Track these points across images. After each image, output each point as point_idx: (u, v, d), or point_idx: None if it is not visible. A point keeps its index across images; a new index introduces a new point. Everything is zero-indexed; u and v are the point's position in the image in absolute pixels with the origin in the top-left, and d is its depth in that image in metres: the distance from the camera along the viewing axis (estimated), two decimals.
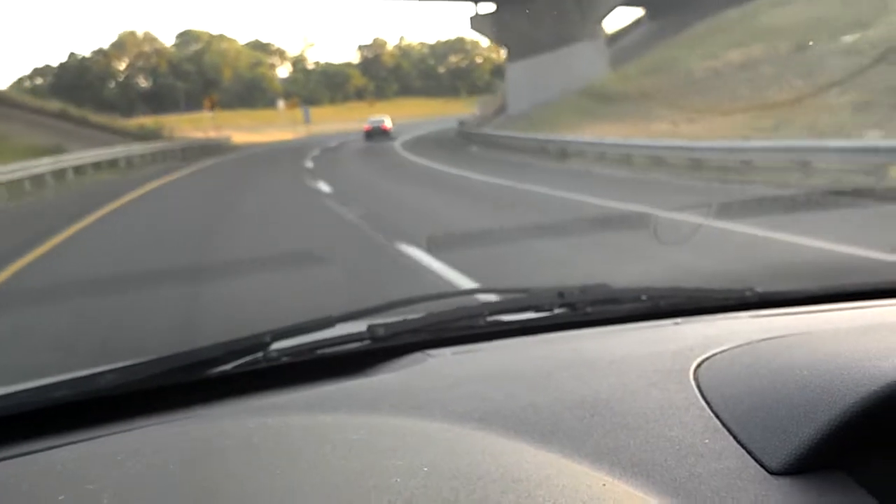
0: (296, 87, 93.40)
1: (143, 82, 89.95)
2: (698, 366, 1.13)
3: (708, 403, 1.01)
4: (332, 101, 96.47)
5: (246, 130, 56.78)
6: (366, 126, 41.94)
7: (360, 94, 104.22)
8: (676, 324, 1.45)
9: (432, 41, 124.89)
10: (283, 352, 1.32)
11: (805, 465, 0.86)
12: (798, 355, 1.03)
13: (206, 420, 1.14)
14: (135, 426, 1.12)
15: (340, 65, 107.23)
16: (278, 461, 0.88)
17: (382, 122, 42.66)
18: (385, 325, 1.39)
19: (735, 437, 0.93)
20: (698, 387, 1.06)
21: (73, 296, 6.22)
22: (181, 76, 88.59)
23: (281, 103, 65.46)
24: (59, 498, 0.82)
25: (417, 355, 1.34)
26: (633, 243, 7.36)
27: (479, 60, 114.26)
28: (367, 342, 1.37)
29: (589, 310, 1.52)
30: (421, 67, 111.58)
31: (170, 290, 6.20)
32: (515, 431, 0.97)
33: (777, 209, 9.29)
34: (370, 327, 1.39)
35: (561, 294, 1.54)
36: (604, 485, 0.83)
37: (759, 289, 1.60)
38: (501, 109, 38.29)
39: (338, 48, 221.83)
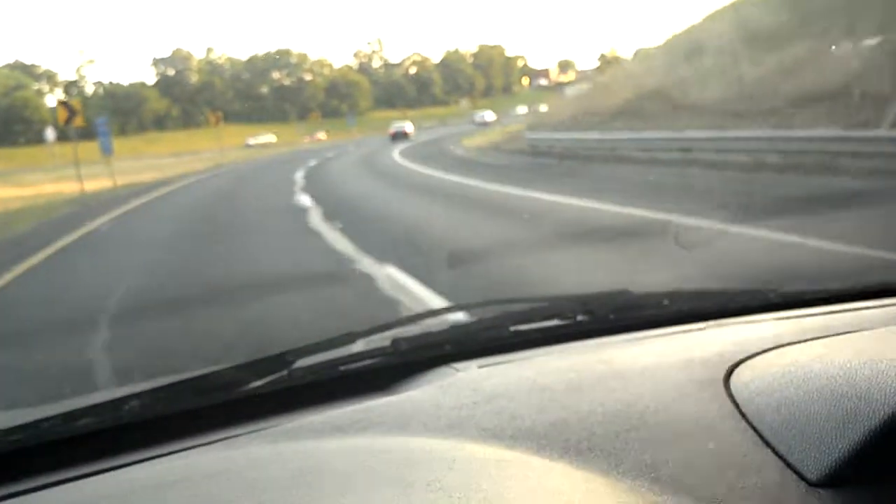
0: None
1: None
2: (729, 373, 1.11)
3: (743, 414, 0.99)
4: (124, 131, 72.82)
5: None
6: (391, 131, 48.19)
7: (160, 122, 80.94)
8: (702, 329, 1.43)
9: (244, 56, 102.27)
10: (307, 370, 1.31)
11: (846, 477, 0.85)
12: (831, 360, 1.01)
13: (238, 446, 1.11)
14: (161, 451, 1.12)
15: (132, 85, 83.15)
16: (321, 489, 0.87)
17: (404, 127, 48.22)
18: (408, 339, 1.39)
19: (773, 450, 0.92)
20: (731, 396, 1.04)
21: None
22: None
23: (50, 133, 41.82)
24: None
25: (444, 369, 1.32)
26: None
27: (308, 77, 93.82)
28: (390, 356, 1.36)
29: (612, 317, 1.51)
30: (237, 86, 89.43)
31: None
32: (550, 449, 0.95)
33: None
34: (394, 341, 1.38)
35: (583, 302, 1.54)
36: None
37: (782, 290, 1.59)
38: None
39: (127, 64, 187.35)
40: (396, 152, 29.05)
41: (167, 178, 28.83)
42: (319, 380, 1.32)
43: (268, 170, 27.31)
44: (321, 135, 69.58)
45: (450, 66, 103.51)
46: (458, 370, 1.30)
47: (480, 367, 1.31)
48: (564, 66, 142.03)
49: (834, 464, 0.85)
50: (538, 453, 0.95)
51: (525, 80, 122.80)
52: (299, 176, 20.59)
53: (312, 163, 27.32)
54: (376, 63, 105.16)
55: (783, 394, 0.99)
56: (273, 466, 0.97)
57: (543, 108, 68.06)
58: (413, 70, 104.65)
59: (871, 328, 1.20)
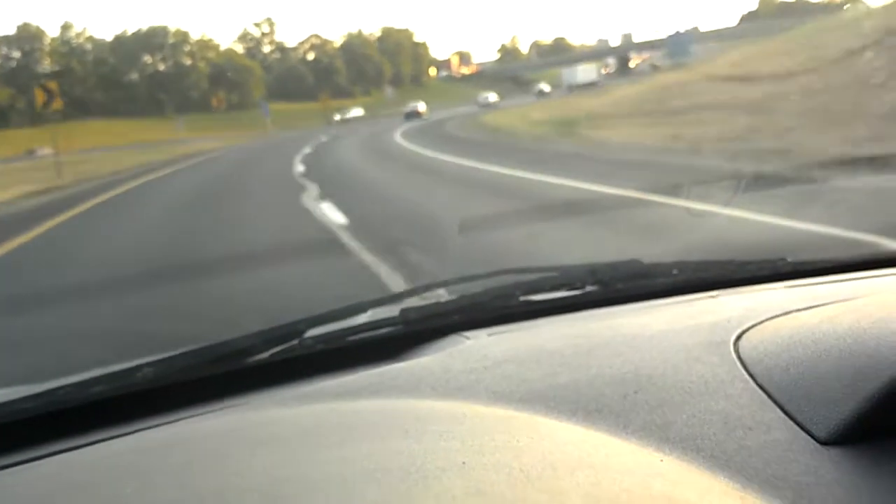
0: None
1: None
2: (738, 337, 1.13)
3: (751, 375, 1.01)
4: None
5: None
6: (406, 110, 52.58)
7: (2, 115, 65.36)
8: (712, 297, 1.44)
9: (109, 35, 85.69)
10: (317, 339, 1.34)
11: (856, 434, 0.85)
12: (840, 323, 1.01)
13: (249, 408, 1.14)
14: (175, 418, 1.14)
15: None
16: (332, 446, 0.88)
17: (417, 107, 53.12)
18: (418, 309, 1.42)
19: (782, 409, 0.93)
20: (740, 359, 1.06)
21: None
22: None
23: None
24: (127, 491, 0.82)
25: (453, 338, 1.34)
26: None
27: (188, 62, 79.28)
28: (400, 326, 1.39)
29: (621, 286, 1.54)
30: (102, 72, 74.13)
31: None
32: (559, 411, 0.97)
33: None
34: (403, 311, 1.41)
35: (593, 271, 1.56)
36: (661, 461, 0.84)
37: (793, 258, 1.61)
38: None
39: None
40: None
41: None
42: (330, 349, 1.35)
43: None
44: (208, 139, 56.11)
45: (353, 51, 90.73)
46: (467, 338, 1.32)
47: (490, 335, 1.33)
48: (466, 59, 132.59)
49: (843, 422, 0.86)
50: (547, 414, 0.96)
51: (433, 70, 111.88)
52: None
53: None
54: (268, 48, 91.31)
55: (792, 355, 1.00)
56: (283, 425, 1.00)
57: (544, 87, 66.08)
58: (311, 55, 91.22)
59: (886, 294, 1.22)
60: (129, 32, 79.50)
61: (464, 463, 0.79)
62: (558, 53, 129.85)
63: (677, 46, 71.14)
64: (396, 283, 5.09)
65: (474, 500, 0.71)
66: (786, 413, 0.92)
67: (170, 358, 1.28)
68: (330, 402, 1.08)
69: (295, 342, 1.32)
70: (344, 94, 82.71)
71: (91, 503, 0.83)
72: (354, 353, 1.31)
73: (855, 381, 0.87)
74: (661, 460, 0.83)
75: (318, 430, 0.96)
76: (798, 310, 1.17)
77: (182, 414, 1.15)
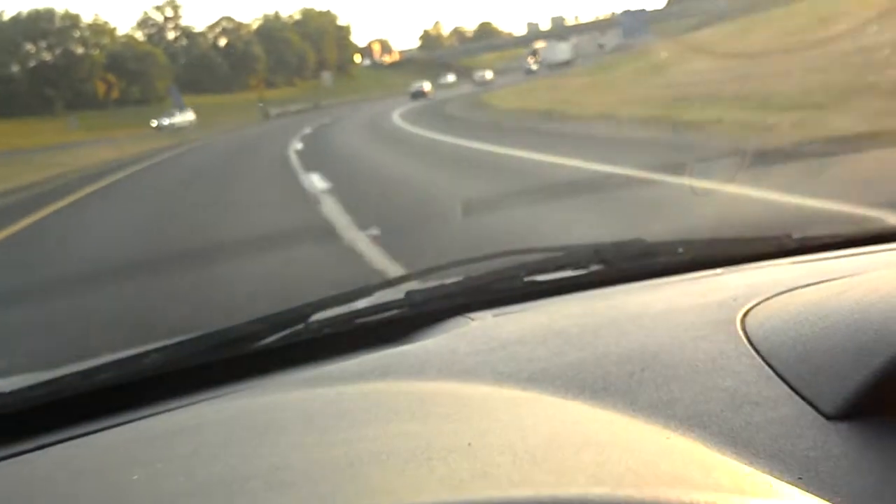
0: None
1: None
2: (745, 315, 1.12)
3: (758, 352, 1.01)
4: None
5: None
6: (411, 90, 52.67)
7: None
8: (717, 274, 1.43)
9: None
10: (323, 322, 1.34)
11: (862, 409, 0.85)
12: (847, 298, 1.01)
13: (256, 392, 1.14)
14: (182, 404, 1.13)
15: None
16: (343, 433, 0.87)
17: (422, 86, 53.43)
18: (423, 291, 1.41)
19: (788, 384, 0.93)
20: (747, 335, 1.06)
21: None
22: None
23: None
24: (134, 478, 0.82)
25: (459, 319, 1.33)
26: None
27: (79, 50, 68.17)
28: (406, 309, 1.38)
29: (626, 265, 1.53)
30: None
31: None
32: (566, 390, 0.97)
33: None
34: (408, 293, 1.40)
35: (597, 250, 1.55)
36: (667, 438, 0.84)
37: (798, 234, 1.60)
38: None
39: None
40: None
41: None
42: (336, 332, 1.34)
43: None
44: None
45: (271, 35, 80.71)
46: (473, 319, 1.31)
47: (495, 315, 1.32)
48: (386, 46, 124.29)
49: (849, 397, 0.86)
50: (554, 394, 0.96)
51: (358, 58, 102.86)
52: None
53: None
54: (173, 34, 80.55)
55: (798, 331, 1.00)
56: (288, 410, 1.00)
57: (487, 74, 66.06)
58: (223, 41, 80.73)
59: (892, 269, 1.19)
60: (7, 17, 67.96)
61: (469, 444, 0.78)
62: (484, 39, 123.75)
63: (632, 26, 65.87)
64: None
65: (480, 481, 0.71)
66: (792, 389, 0.91)
67: (176, 344, 1.28)
68: (335, 386, 1.06)
69: (301, 326, 1.32)
70: (267, 84, 72.90)
71: (98, 490, 0.83)
72: (360, 337, 1.30)
73: (861, 355, 0.86)
74: (668, 438, 0.83)
75: (323, 414, 0.95)
76: (804, 286, 1.16)
77: (189, 400, 1.14)
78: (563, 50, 73.09)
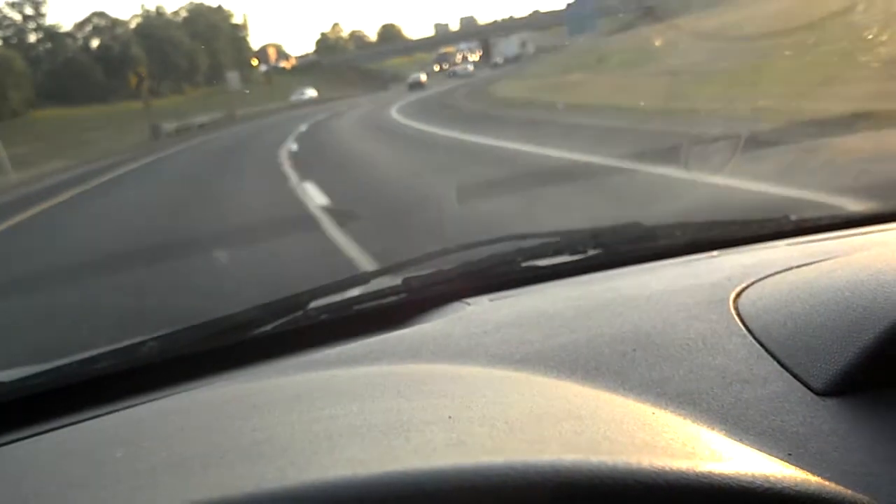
0: None
1: None
2: (738, 295, 1.12)
3: (750, 331, 1.01)
4: None
5: None
6: (409, 81, 53.46)
7: None
8: (713, 257, 1.42)
9: None
10: (321, 309, 1.33)
11: (852, 385, 0.86)
12: (839, 277, 1.01)
13: (251, 378, 1.14)
14: (180, 391, 1.13)
15: None
16: (327, 410, 0.88)
17: (419, 77, 54.24)
18: (420, 277, 1.40)
19: (779, 362, 0.93)
20: (739, 315, 1.06)
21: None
22: None
23: None
24: (117, 456, 0.84)
25: (455, 304, 1.33)
26: None
27: None
28: (403, 295, 1.37)
29: (623, 249, 1.51)
30: None
31: None
32: (558, 370, 0.97)
33: None
34: (405, 280, 1.39)
35: (594, 235, 1.53)
36: (653, 413, 0.84)
37: (795, 216, 1.59)
38: None
39: None
40: None
41: None
42: (333, 319, 1.33)
43: None
44: None
45: (154, 35, 67.87)
46: (469, 304, 1.31)
47: (492, 300, 1.32)
48: (281, 51, 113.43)
49: (839, 373, 0.86)
50: (545, 374, 0.96)
51: (255, 62, 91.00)
52: None
53: None
54: (34, 36, 66.53)
55: (790, 310, 1.00)
56: (278, 392, 1.00)
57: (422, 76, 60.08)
58: (96, 41, 67.15)
59: (885, 249, 1.19)
60: None
61: (450, 417, 0.79)
62: (388, 42, 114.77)
63: (578, 22, 58.65)
64: None
65: (454, 449, 0.72)
66: (783, 366, 0.92)
67: (175, 332, 1.28)
68: (329, 370, 1.06)
69: (299, 313, 1.31)
70: (151, 92, 60.25)
71: (82, 468, 0.85)
72: (358, 323, 1.29)
73: (850, 332, 0.87)
74: (653, 413, 0.83)
75: (311, 394, 0.95)
76: (797, 266, 1.16)
77: (187, 387, 1.14)
78: (516, 45, 70.74)
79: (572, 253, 1.50)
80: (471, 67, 68.70)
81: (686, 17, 29.88)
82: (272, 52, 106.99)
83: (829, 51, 12.57)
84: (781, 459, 0.75)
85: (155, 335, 1.25)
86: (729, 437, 0.79)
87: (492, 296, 1.34)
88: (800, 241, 1.45)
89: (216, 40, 73.25)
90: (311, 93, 53.10)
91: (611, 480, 0.65)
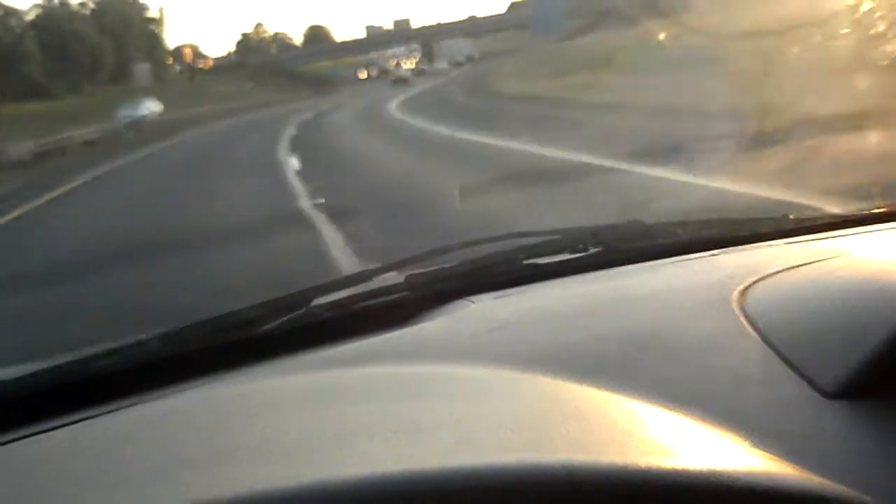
0: None
1: None
2: (742, 293, 1.12)
3: (755, 330, 1.01)
4: None
5: None
6: (392, 78, 55.14)
7: None
8: (715, 255, 1.43)
9: None
10: (324, 307, 1.33)
11: (861, 387, 0.85)
12: (843, 276, 1.02)
13: (254, 376, 1.14)
14: (182, 389, 1.13)
15: None
16: (336, 409, 0.89)
17: (402, 74, 56.28)
18: (423, 275, 1.41)
19: (787, 363, 0.92)
20: (744, 314, 1.06)
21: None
22: None
23: None
24: (123, 453, 0.85)
25: (458, 302, 1.33)
26: None
27: None
28: (406, 292, 1.38)
29: (624, 247, 1.52)
30: None
31: None
32: (562, 370, 0.97)
33: None
34: (408, 277, 1.40)
35: (595, 233, 1.54)
36: (660, 414, 0.84)
37: (795, 215, 1.59)
38: None
39: None
40: None
41: None
42: (336, 317, 1.33)
43: None
44: None
45: (55, 28, 59.21)
46: (472, 302, 1.31)
47: (494, 298, 1.32)
48: (198, 52, 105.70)
49: (849, 375, 0.85)
50: (550, 374, 0.96)
51: (169, 60, 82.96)
52: None
53: None
54: None
55: (796, 309, 1.00)
56: (285, 391, 1.00)
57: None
58: None
59: (889, 247, 1.19)
60: None
61: (458, 418, 0.80)
62: (315, 43, 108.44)
63: (544, 24, 54.84)
64: None
65: (465, 450, 0.74)
66: (790, 367, 0.90)
67: (178, 330, 1.27)
68: (333, 369, 1.06)
69: (302, 311, 1.30)
70: (35, 92, 51.66)
71: (88, 468, 0.85)
72: (361, 321, 1.29)
73: (860, 333, 0.86)
74: (661, 413, 0.83)
75: (318, 394, 0.96)
76: (800, 265, 1.15)
77: (190, 385, 1.14)
78: (466, 47, 67.57)
79: (573, 251, 1.49)
80: (406, 74, 62.69)
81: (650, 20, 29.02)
82: (188, 52, 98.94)
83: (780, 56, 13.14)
84: (788, 461, 0.75)
85: (158, 332, 1.25)
86: (738, 438, 0.78)
87: (495, 293, 1.33)
88: (800, 239, 1.45)
89: (128, 34, 65.09)
90: (153, 107, 40.63)
91: (622, 481, 0.67)
